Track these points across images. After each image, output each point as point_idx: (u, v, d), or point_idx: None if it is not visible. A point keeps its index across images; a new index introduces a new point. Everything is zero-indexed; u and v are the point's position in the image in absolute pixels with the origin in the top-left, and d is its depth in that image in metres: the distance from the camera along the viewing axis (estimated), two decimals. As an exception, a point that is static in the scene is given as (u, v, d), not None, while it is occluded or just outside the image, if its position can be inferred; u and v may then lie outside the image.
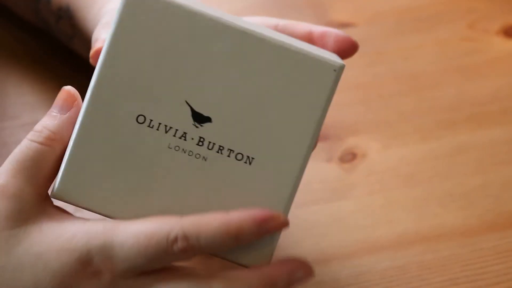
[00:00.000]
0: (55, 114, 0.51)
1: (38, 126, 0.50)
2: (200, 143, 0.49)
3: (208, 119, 0.48)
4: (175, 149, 0.49)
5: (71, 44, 0.69)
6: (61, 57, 0.73)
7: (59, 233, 0.48)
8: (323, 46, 0.56)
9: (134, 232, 0.47)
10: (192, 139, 0.49)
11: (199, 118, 0.48)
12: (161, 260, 0.47)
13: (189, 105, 0.48)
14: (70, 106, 0.51)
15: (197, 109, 0.48)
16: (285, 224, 0.49)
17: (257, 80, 0.48)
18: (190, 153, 0.49)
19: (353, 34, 0.77)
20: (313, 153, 0.68)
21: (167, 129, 0.49)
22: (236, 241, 0.48)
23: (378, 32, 0.77)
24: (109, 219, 0.49)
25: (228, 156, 0.49)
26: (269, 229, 0.48)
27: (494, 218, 0.64)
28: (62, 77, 0.71)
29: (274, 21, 0.57)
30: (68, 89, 0.51)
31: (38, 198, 0.49)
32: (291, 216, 0.64)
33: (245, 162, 0.49)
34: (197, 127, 0.49)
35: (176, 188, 0.49)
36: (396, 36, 0.77)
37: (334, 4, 0.79)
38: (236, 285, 0.48)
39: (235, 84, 0.48)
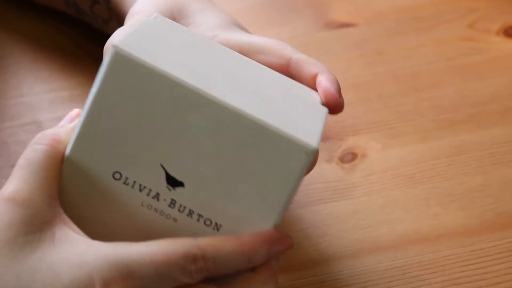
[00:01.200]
0: (59, 124, 0.52)
1: (39, 134, 0.51)
2: (172, 205, 0.50)
3: (181, 184, 0.49)
4: (147, 207, 0.50)
5: (106, 27, 0.70)
6: (62, 57, 0.73)
7: (71, 243, 0.48)
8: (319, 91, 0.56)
9: (150, 251, 0.47)
10: (164, 200, 0.50)
11: (172, 182, 0.49)
12: (175, 280, 0.48)
13: (164, 169, 0.49)
14: (74, 119, 0.53)
15: (171, 173, 0.49)
16: (292, 245, 0.51)
17: (231, 152, 0.48)
18: (162, 213, 0.50)
19: (353, 34, 0.77)
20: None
21: (141, 188, 0.50)
22: (249, 263, 0.49)
23: (378, 32, 0.77)
24: (119, 242, 0.49)
25: (197, 220, 0.50)
26: (278, 250, 0.50)
27: (494, 218, 0.64)
28: (62, 77, 0.71)
29: (288, 52, 0.57)
30: (78, 110, 0.53)
31: (49, 200, 0.49)
32: (291, 216, 0.64)
33: (213, 229, 0.50)
34: (170, 189, 0.49)
35: None
36: (396, 36, 0.77)
37: (334, 4, 0.79)
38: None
39: (211, 154, 0.49)
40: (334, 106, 0.55)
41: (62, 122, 0.53)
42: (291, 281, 0.60)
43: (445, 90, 0.73)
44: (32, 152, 0.50)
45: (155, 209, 0.50)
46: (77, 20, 0.74)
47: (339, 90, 0.56)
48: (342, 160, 0.68)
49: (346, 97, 0.72)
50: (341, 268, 0.61)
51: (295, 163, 0.48)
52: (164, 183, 0.49)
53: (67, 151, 0.50)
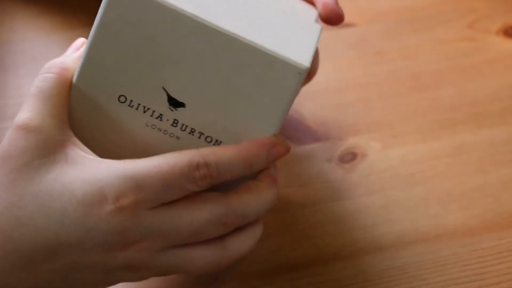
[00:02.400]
0: (66, 53, 0.55)
1: (47, 64, 0.54)
2: (175, 124, 0.53)
3: (182, 104, 0.53)
4: (152, 127, 0.53)
5: None
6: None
7: (83, 163, 0.51)
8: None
9: (156, 163, 0.50)
10: (167, 120, 0.53)
11: (174, 103, 0.53)
12: (182, 188, 0.50)
13: (166, 91, 0.52)
14: (80, 47, 0.55)
15: (173, 95, 0.52)
16: (288, 149, 0.54)
17: (229, 75, 0.52)
18: (165, 132, 0.53)
19: (353, 34, 0.77)
20: (313, 153, 0.68)
21: (145, 110, 0.53)
22: (250, 168, 0.52)
23: (378, 32, 0.77)
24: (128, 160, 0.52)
25: (199, 138, 0.53)
26: (276, 153, 0.53)
27: (494, 218, 0.64)
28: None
29: None
30: (82, 39, 0.56)
31: (60, 125, 0.52)
32: (291, 216, 0.64)
33: (214, 144, 0.53)
34: (172, 110, 0.53)
35: None
36: (396, 36, 0.77)
37: (334, 4, 0.79)
38: (249, 196, 0.52)
39: (209, 77, 0.52)
40: (334, 18, 0.58)
41: (68, 52, 0.55)
42: (291, 281, 0.60)
43: (445, 90, 0.73)
44: (43, 81, 0.53)
45: (159, 128, 0.53)
46: (77, 19, 0.74)
47: (337, 1, 0.59)
48: (342, 160, 0.68)
49: (346, 97, 0.72)
50: (341, 268, 0.61)
51: (288, 82, 0.52)
52: (167, 104, 0.53)
53: (74, 78, 0.53)
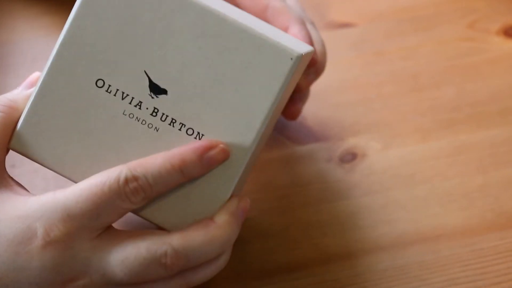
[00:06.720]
0: (17, 89, 0.52)
1: None
2: (154, 114, 0.50)
3: (164, 91, 0.50)
4: (129, 116, 0.50)
5: None
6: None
7: (14, 202, 0.49)
8: None
9: (85, 186, 0.48)
10: (147, 108, 0.50)
11: (156, 89, 0.50)
12: (117, 208, 0.48)
13: (147, 75, 0.50)
14: (34, 84, 0.52)
15: (154, 80, 0.50)
16: (225, 152, 0.50)
17: (216, 59, 0.49)
18: (143, 122, 0.50)
19: (353, 34, 0.77)
20: (313, 153, 0.68)
21: (123, 96, 0.50)
22: (182, 174, 0.49)
23: (378, 32, 0.77)
24: (59, 190, 0.50)
25: (179, 130, 0.50)
26: (211, 158, 0.49)
27: (494, 218, 0.64)
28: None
29: (264, 2, 0.58)
30: (38, 73, 0.53)
31: None
32: (291, 216, 0.64)
33: (195, 138, 0.50)
34: (152, 97, 0.50)
35: (126, 153, 0.51)
36: (396, 36, 0.77)
37: (334, 4, 0.79)
38: (194, 235, 0.49)
39: (195, 61, 0.49)
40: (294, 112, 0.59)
41: (20, 87, 0.53)
42: (291, 281, 0.60)
43: (445, 90, 0.73)
44: None
45: (137, 118, 0.50)
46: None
47: (310, 44, 0.57)
48: (342, 160, 0.68)
49: (346, 97, 0.72)
50: (341, 268, 0.61)
51: (280, 68, 0.49)
52: (147, 90, 0.50)
53: (51, 57, 0.50)
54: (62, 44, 0.50)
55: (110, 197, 0.48)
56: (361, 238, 0.63)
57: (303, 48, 0.51)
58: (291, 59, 0.49)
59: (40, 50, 0.74)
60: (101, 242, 0.48)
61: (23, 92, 0.52)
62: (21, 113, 0.51)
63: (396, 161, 0.68)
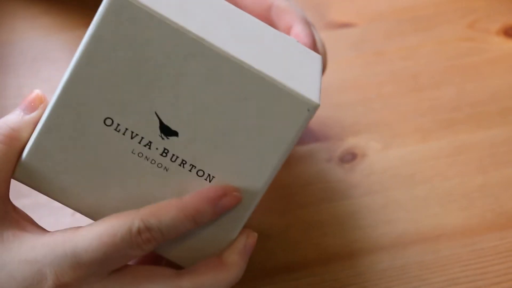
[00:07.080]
0: (18, 113, 0.51)
1: None
2: (164, 154, 0.49)
3: (175, 133, 0.48)
4: (138, 155, 0.49)
5: None
6: (62, 57, 0.73)
7: (21, 243, 0.48)
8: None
9: (95, 234, 0.47)
10: (157, 149, 0.49)
11: (167, 131, 0.48)
12: (126, 255, 0.48)
13: (158, 117, 0.48)
14: (35, 107, 0.50)
15: (165, 122, 0.48)
16: (238, 198, 0.50)
17: (229, 103, 0.48)
18: (153, 161, 0.49)
19: (353, 34, 0.77)
20: (313, 153, 0.68)
21: (132, 136, 0.49)
22: (195, 223, 0.49)
23: (378, 32, 0.77)
24: (68, 229, 0.49)
25: (190, 171, 0.49)
26: (223, 206, 0.49)
27: (494, 218, 0.64)
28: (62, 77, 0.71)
29: (268, 1, 0.58)
30: (37, 92, 0.51)
31: None
32: (291, 215, 0.64)
33: (205, 179, 0.49)
34: (163, 138, 0.49)
35: (134, 191, 0.50)
36: (396, 36, 0.77)
37: (334, 4, 0.79)
38: (204, 278, 0.49)
39: (207, 104, 0.48)
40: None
41: (21, 110, 0.51)
42: (291, 281, 0.60)
43: (445, 90, 0.73)
44: None
45: (146, 157, 0.49)
46: (77, 19, 0.74)
47: (313, 43, 0.56)
48: (342, 160, 0.68)
49: (346, 97, 0.72)
50: (341, 268, 0.61)
51: (295, 118, 0.48)
52: (158, 131, 0.48)
53: (58, 91, 0.48)
54: (69, 80, 0.48)
55: (121, 247, 0.47)
56: (361, 238, 0.63)
57: (316, 85, 0.50)
58: (308, 110, 0.48)
59: (40, 50, 0.74)
60: (110, 283, 0.49)
61: (24, 118, 0.50)
62: (24, 142, 0.50)
63: (396, 161, 0.68)
